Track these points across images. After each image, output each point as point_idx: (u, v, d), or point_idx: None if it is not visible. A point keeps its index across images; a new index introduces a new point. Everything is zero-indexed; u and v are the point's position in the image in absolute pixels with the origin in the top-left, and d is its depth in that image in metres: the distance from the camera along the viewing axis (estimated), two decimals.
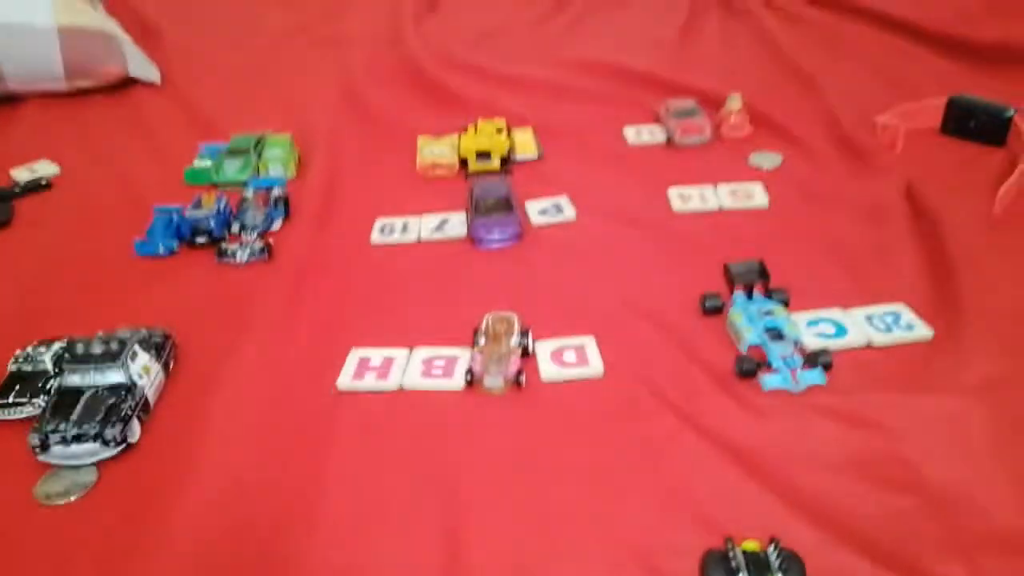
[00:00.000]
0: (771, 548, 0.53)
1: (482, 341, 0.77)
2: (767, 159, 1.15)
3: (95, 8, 1.60)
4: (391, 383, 0.75)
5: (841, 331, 0.78)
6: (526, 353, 0.78)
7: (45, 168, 1.25)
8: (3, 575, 0.59)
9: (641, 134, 1.25)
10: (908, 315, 0.79)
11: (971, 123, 1.15)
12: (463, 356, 0.77)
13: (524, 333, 0.79)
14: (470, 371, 0.75)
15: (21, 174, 1.22)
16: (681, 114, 1.24)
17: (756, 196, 1.05)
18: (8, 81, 1.47)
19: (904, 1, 1.58)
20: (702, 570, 0.54)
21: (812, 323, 0.79)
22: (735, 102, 1.23)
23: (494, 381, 0.73)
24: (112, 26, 1.56)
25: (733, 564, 0.52)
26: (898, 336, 0.77)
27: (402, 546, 0.60)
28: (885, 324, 0.78)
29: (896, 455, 0.64)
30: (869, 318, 0.79)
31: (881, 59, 1.45)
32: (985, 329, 0.76)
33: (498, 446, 0.69)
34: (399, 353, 0.79)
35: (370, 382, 0.76)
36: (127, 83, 1.55)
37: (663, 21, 1.71)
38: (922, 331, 0.77)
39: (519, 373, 0.74)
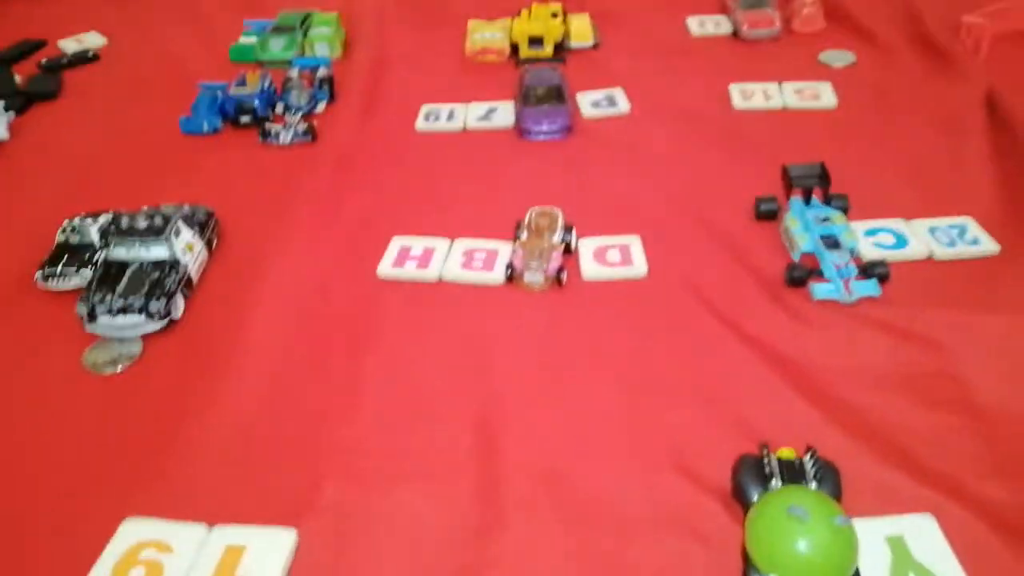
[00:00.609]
0: (807, 457, 0.52)
1: (524, 235, 0.76)
2: (839, 57, 1.07)
3: None
4: (431, 273, 0.75)
5: (901, 242, 0.74)
6: (568, 250, 0.76)
7: (93, 40, 1.23)
8: (52, 439, 0.61)
9: (705, 25, 1.18)
10: (975, 229, 0.75)
11: None
12: (504, 249, 0.76)
13: (568, 229, 0.76)
14: (511, 265, 0.73)
15: (69, 45, 1.21)
16: (750, 4, 1.16)
17: (824, 96, 0.98)
18: None
19: None
20: (735, 473, 0.53)
21: (871, 232, 0.76)
22: None
23: (534, 277, 0.72)
24: None
25: (767, 470, 0.51)
26: (962, 250, 0.73)
27: (437, 437, 0.60)
28: (949, 237, 0.74)
29: (946, 373, 0.62)
30: (932, 230, 0.75)
31: None
32: None
33: (536, 343, 0.68)
34: (440, 243, 0.78)
35: (410, 271, 0.75)
36: None
37: None
38: (988, 246, 0.73)
39: (560, 270, 0.73)
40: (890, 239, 0.75)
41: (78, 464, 0.59)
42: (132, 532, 0.52)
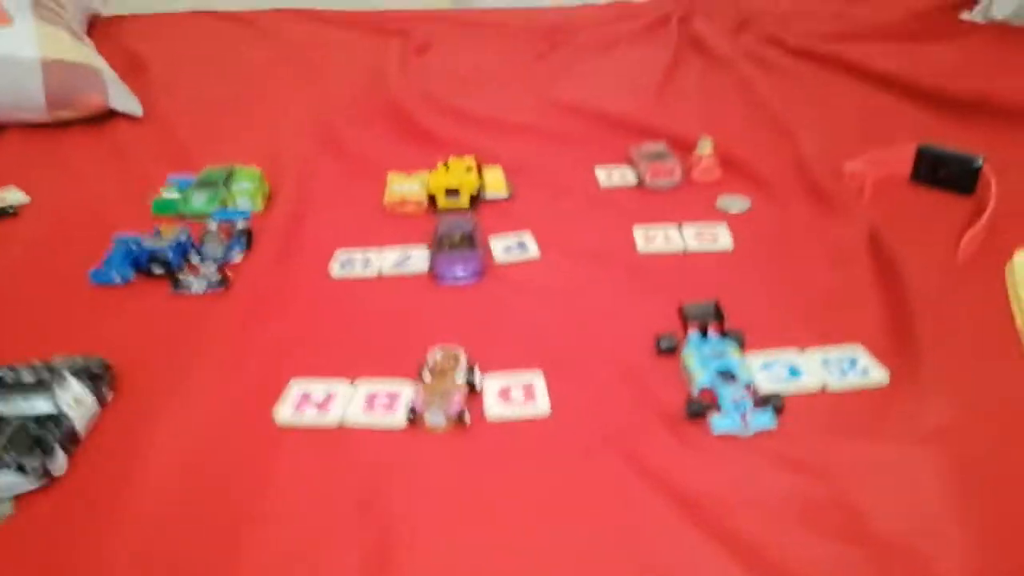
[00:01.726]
0: None
1: (427, 377, 0.76)
2: (735, 203, 1.14)
3: (82, 42, 1.62)
4: (332, 418, 0.73)
5: (795, 373, 0.76)
6: (473, 390, 0.76)
7: (13, 196, 1.24)
8: None
9: (612, 176, 1.25)
10: (865, 359, 0.78)
11: (940, 172, 1.15)
12: (407, 391, 0.76)
13: (471, 369, 0.77)
14: (412, 408, 0.73)
15: None
16: (652, 157, 1.24)
17: (721, 238, 1.04)
18: None
19: (886, 54, 1.60)
20: None
21: (767, 366, 0.78)
22: (706, 146, 1.23)
23: (436, 419, 0.72)
24: (96, 59, 1.58)
25: None
26: (853, 381, 0.75)
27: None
28: (840, 368, 0.77)
29: (842, 503, 0.62)
30: (825, 361, 0.78)
31: (859, 110, 1.45)
32: (941, 378, 0.74)
33: (437, 485, 0.67)
34: (341, 385, 0.77)
35: (311, 416, 0.74)
36: (108, 115, 1.55)
37: (646, 69, 1.72)
38: (878, 376, 0.76)
39: (462, 412, 0.72)
40: (784, 372, 0.77)
41: None
42: None
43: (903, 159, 1.18)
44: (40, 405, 0.69)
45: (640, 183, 1.22)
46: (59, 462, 0.67)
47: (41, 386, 0.69)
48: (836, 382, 0.75)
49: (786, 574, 0.57)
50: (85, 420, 0.71)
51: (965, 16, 1.82)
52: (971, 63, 1.57)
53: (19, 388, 0.69)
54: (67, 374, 0.71)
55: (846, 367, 0.77)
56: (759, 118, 1.43)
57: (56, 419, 0.68)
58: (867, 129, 1.35)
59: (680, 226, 1.07)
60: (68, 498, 0.66)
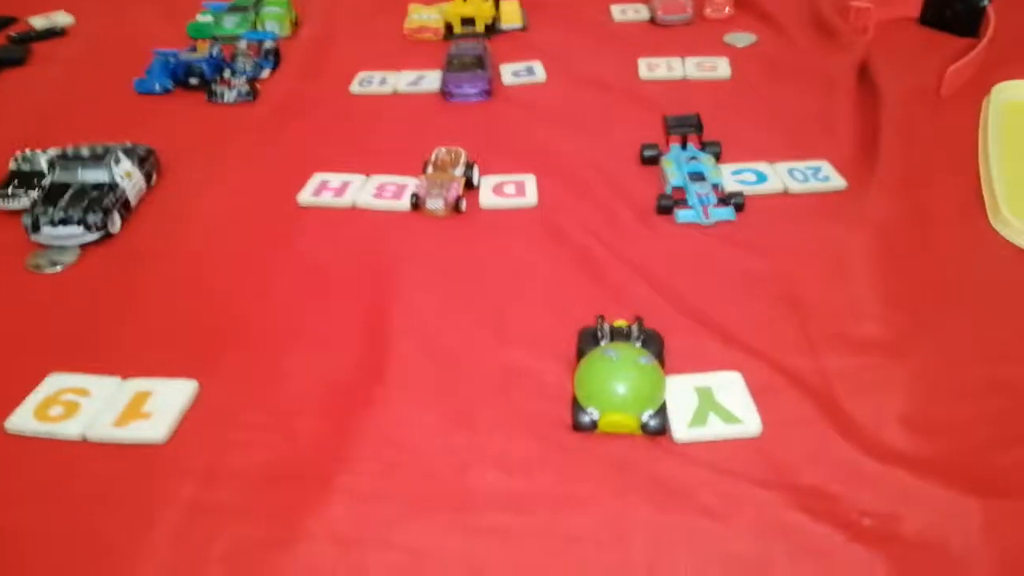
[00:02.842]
0: (635, 325, 0.61)
1: (430, 170, 0.85)
2: (741, 39, 1.18)
3: None
4: (346, 200, 0.84)
5: (761, 178, 0.84)
6: (470, 184, 0.85)
7: (61, 18, 1.32)
8: None
9: (626, 12, 1.29)
10: (828, 169, 0.85)
11: (947, 12, 1.17)
12: (413, 183, 0.85)
13: (470, 165, 0.86)
14: (415, 195, 0.83)
15: (38, 21, 1.31)
16: None
17: (720, 68, 1.09)
18: None
19: None
20: (578, 342, 0.62)
21: (736, 172, 0.85)
22: None
23: (435, 203, 0.81)
24: None
25: (599, 334, 0.60)
26: (813, 185, 0.83)
27: (333, 316, 0.69)
28: (804, 175, 0.84)
29: (779, 274, 0.71)
30: (791, 171, 0.85)
31: None
32: (891, 185, 0.81)
33: (432, 255, 0.77)
34: (356, 177, 0.87)
35: (327, 198, 0.84)
36: None
37: None
38: (837, 182, 0.83)
39: (459, 199, 0.82)
40: (752, 177, 0.85)
41: (15, 333, 0.67)
42: (55, 382, 0.61)
43: (911, 1, 1.19)
44: (97, 175, 0.80)
45: (652, 19, 1.26)
46: (115, 221, 0.79)
47: (98, 159, 0.80)
48: (797, 186, 0.83)
49: (726, 332, 0.66)
50: (135, 191, 0.83)
51: None
52: None
53: (78, 159, 0.80)
54: (120, 152, 0.82)
55: (809, 174, 0.84)
56: None
57: (111, 187, 0.80)
58: None
59: (683, 59, 1.12)
60: (122, 251, 0.78)
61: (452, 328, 0.68)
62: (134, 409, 0.58)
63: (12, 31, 1.28)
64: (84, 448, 0.57)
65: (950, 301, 0.68)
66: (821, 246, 0.75)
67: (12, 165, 0.85)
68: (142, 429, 0.57)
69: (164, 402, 0.59)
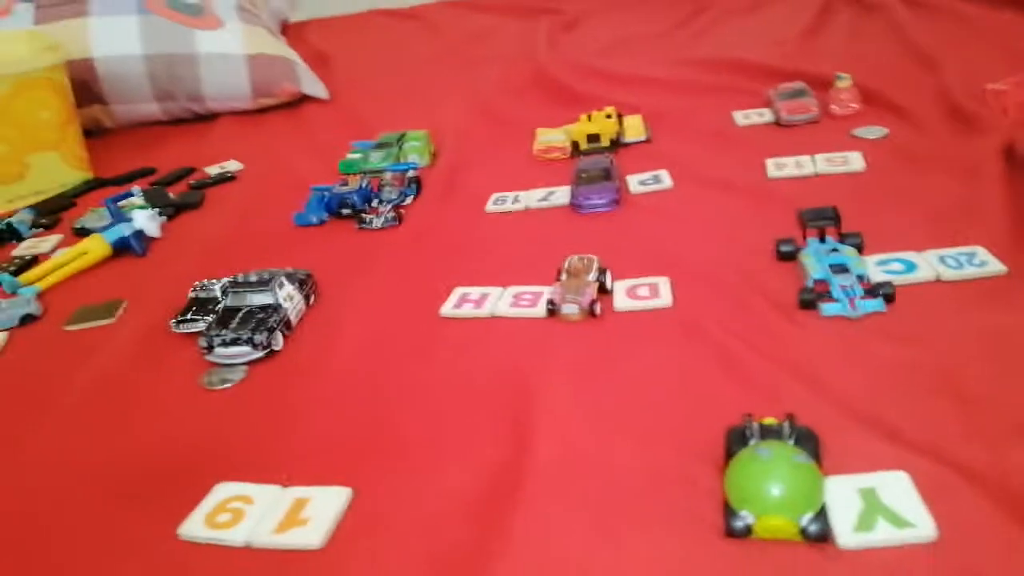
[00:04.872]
0: (786, 422, 0.59)
1: (564, 277, 0.88)
2: (872, 131, 1.17)
3: (277, 39, 1.89)
4: (484, 310, 0.87)
5: (910, 267, 0.81)
6: (603, 289, 0.87)
7: (232, 165, 1.50)
8: (172, 440, 0.76)
9: (749, 116, 1.31)
10: (983, 254, 0.80)
11: None
12: (548, 291, 0.88)
13: (603, 271, 0.88)
14: (551, 301, 0.85)
15: (213, 170, 1.48)
16: (789, 95, 1.28)
17: (852, 162, 1.07)
18: (208, 101, 1.76)
19: None
20: (726, 442, 0.60)
21: (881, 262, 0.82)
22: (844, 80, 1.26)
23: (571, 308, 0.83)
24: (290, 52, 1.84)
25: (748, 433, 0.58)
26: (969, 271, 0.78)
27: (480, 430, 0.70)
28: (957, 262, 0.80)
29: (937, 363, 0.67)
30: (942, 257, 0.81)
31: (1013, 44, 1.39)
32: None
33: (570, 359, 0.78)
34: (494, 290, 0.91)
35: (467, 310, 0.88)
36: (301, 100, 1.81)
37: (791, 23, 1.74)
38: (995, 267, 0.78)
39: (594, 302, 0.83)
40: (899, 267, 0.81)
41: (190, 445, 0.73)
42: (223, 491, 0.65)
43: None
44: (263, 298, 0.88)
45: (776, 121, 1.27)
46: (278, 340, 0.85)
47: (264, 284, 0.88)
48: (951, 273, 0.79)
49: (887, 429, 0.62)
50: (295, 312, 0.90)
51: None
52: None
53: (247, 285, 0.89)
54: (283, 278, 0.90)
55: (963, 260, 0.80)
56: (905, 56, 1.42)
57: (275, 308, 0.87)
58: (1019, 62, 1.30)
59: (813, 156, 1.11)
60: (284, 368, 0.84)
61: (594, 431, 0.67)
62: (293, 516, 0.61)
63: (191, 179, 1.45)
64: (247, 555, 0.60)
65: None
66: (984, 334, 0.70)
67: (191, 293, 0.95)
68: (299, 535, 0.60)
69: (321, 509, 0.61)
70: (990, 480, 0.55)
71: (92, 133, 1.70)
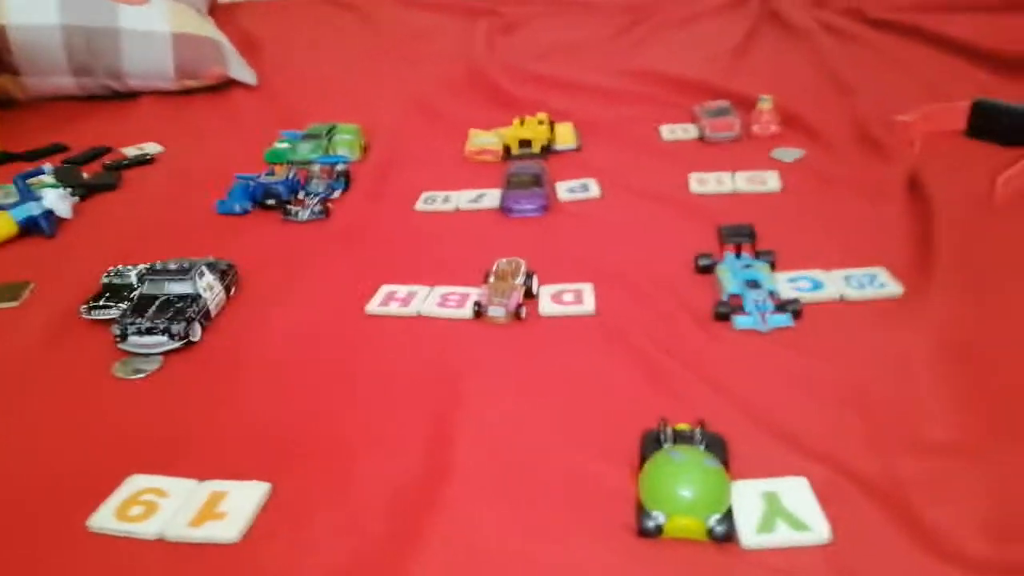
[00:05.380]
0: (698, 428, 0.61)
1: (491, 280, 0.89)
2: (789, 153, 1.22)
3: (205, 19, 1.83)
4: (411, 309, 0.88)
5: (817, 286, 0.85)
6: (530, 293, 0.88)
7: (151, 148, 1.44)
8: (82, 422, 0.73)
9: (675, 131, 1.35)
10: (884, 276, 0.86)
11: (995, 125, 1.19)
12: (475, 293, 0.89)
13: (529, 275, 0.89)
14: (478, 303, 0.86)
15: (131, 151, 1.43)
16: (714, 113, 1.33)
17: (770, 182, 1.12)
18: (128, 79, 1.70)
19: (966, 23, 1.63)
20: (641, 445, 0.62)
21: (792, 279, 0.87)
22: (766, 103, 1.31)
23: (497, 311, 0.84)
24: (218, 34, 1.79)
25: (662, 437, 0.61)
26: (869, 292, 0.84)
27: (402, 428, 0.71)
28: (860, 283, 0.85)
29: (840, 377, 0.71)
30: (847, 277, 0.86)
31: (929, 76, 1.47)
32: (951, 293, 0.81)
33: (495, 361, 0.79)
34: (421, 288, 0.91)
35: (393, 308, 0.88)
36: (228, 84, 1.76)
37: (721, 40, 1.80)
38: (893, 288, 0.84)
39: (520, 306, 0.85)
40: (808, 284, 0.86)
41: (101, 436, 0.71)
42: (135, 483, 0.63)
43: (957, 115, 1.22)
44: (182, 287, 0.86)
45: (701, 137, 1.31)
46: (196, 331, 0.84)
47: (183, 272, 0.86)
48: (854, 293, 0.84)
49: (790, 437, 0.66)
50: (215, 303, 0.88)
51: None
52: None
53: (166, 273, 0.86)
54: (203, 266, 0.88)
55: (865, 282, 0.85)
56: (825, 81, 1.50)
57: (194, 298, 0.85)
58: (934, 93, 1.38)
59: (733, 173, 1.16)
60: (202, 359, 0.83)
61: (515, 432, 0.69)
62: (209, 509, 0.60)
63: (106, 160, 1.40)
64: (161, 547, 0.59)
65: None
66: (883, 350, 0.75)
67: (104, 279, 0.92)
68: (216, 529, 0.59)
69: (238, 503, 0.60)
70: (881, 488, 0.59)
71: (1, 105, 1.61)
